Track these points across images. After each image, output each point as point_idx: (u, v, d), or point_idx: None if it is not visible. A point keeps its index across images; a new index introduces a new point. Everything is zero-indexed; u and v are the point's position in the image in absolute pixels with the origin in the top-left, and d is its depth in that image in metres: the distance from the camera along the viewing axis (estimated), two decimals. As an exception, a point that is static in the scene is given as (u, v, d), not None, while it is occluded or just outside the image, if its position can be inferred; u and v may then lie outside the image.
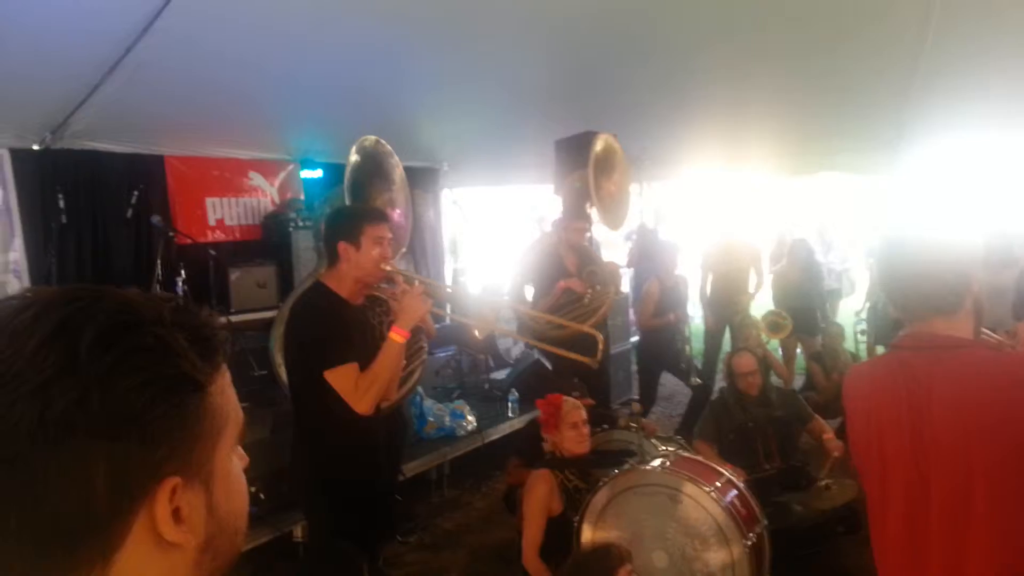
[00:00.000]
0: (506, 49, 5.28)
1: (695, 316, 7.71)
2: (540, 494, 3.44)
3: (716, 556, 3.06)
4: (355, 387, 2.75)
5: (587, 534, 3.27)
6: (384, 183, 3.55)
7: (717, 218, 9.36)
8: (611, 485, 3.27)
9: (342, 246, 2.89)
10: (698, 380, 6.34)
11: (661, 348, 6.31)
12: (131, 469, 0.64)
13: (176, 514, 0.67)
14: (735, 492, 3.31)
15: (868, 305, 7.54)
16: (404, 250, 3.53)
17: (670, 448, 3.77)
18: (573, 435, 3.59)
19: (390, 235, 2.97)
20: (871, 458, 1.83)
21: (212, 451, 0.70)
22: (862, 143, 6.23)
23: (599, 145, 5.14)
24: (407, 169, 8.09)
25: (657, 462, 3.36)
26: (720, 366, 6.55)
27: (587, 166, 5.02)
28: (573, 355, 3.58)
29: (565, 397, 3.76)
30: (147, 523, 0.65)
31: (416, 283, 3.04)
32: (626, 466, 3.36)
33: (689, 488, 3.13)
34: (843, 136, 6.23)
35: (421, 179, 8.54)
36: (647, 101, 6.12)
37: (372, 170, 3.50)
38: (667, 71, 5.62)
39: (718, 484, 3.21)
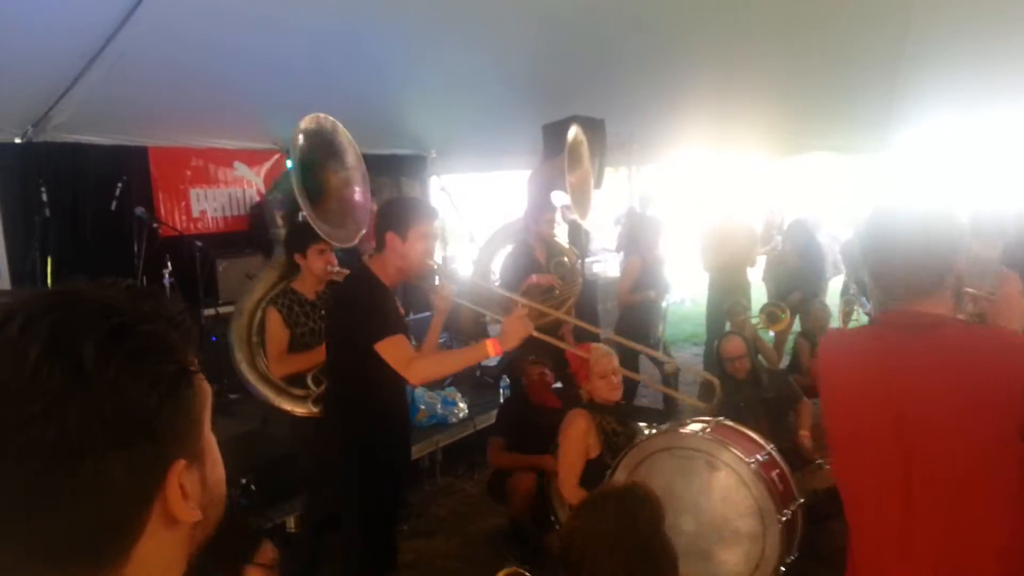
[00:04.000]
0: (494, 35, 5.25)
1: (681, 299, 7.63)
2: (579, 429, 3.45)
3: (747, 527, 3.00)
4: (409, 359, 2.91)
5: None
6: (337, 162, 3.49)
7: (713, 202, 9.21)
8: (648, 442, 3.21)
9: (389, 235, 3.01)
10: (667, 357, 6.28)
11: (637, 324, 6.23)
12: (146, 466, 0.66)
13: (182, 492, 0.68)
14: (775, 467, 3.23)
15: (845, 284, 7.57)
16: (364, 231, 3.50)
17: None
18: (603, 384, 3.57)
19: (438, 231, 3.14)
20: (841, 432, 1.84)
21: (202, 429, 0.73)
22: (851, 123, 6.22)
23: (571, 135, 5.14)
24: (394, 157, 8.22)
25: (697, 426, 3.25)
26: None
27: (563, 153, 5.02)
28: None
29: (594, 345, 3.71)
30: (160, 508, 0.67)
31: (519, 305, 3.19)
32: (665, 425, 3.31)
33: (728, 457, 3.03)
34: (832, 116, 6.21)
35: (409, 166, 8.49)
36: (635, 84, 6.10)
37: (321, 150, 3.44)
38: (654, 54, 5.59)
39: (759, 457, 3.11)
